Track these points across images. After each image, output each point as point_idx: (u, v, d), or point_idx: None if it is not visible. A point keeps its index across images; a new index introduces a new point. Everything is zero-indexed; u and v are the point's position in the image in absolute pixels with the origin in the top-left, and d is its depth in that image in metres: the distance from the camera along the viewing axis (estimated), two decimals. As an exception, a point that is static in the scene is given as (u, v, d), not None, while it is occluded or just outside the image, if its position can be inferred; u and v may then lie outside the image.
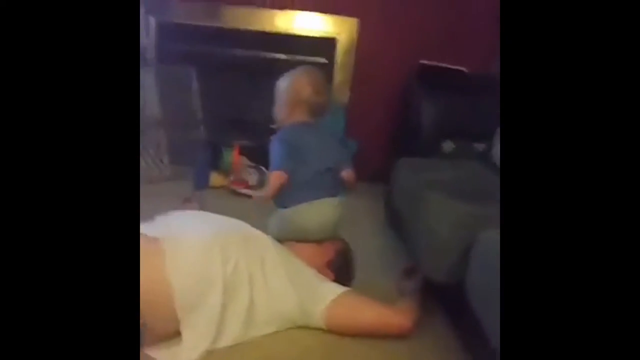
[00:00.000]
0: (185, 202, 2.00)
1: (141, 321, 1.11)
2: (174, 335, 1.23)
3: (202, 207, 1.97)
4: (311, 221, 1.54)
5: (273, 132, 1.63)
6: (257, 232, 1.47)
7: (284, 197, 1.56)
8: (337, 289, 1.39)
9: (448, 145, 2.03)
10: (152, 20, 2.63)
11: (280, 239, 1.50)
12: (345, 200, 1.63)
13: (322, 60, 2.69)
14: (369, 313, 1.38)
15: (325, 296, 1.36)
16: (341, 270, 1.54)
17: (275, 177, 1.55)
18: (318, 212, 1.54)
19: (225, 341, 1.27)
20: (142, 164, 2.42)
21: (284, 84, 1.60)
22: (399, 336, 1.37)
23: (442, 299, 1.52)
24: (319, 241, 1.55)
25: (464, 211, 1.41)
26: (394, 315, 1.38)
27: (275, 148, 1.55)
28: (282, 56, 2.70)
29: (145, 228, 1.31)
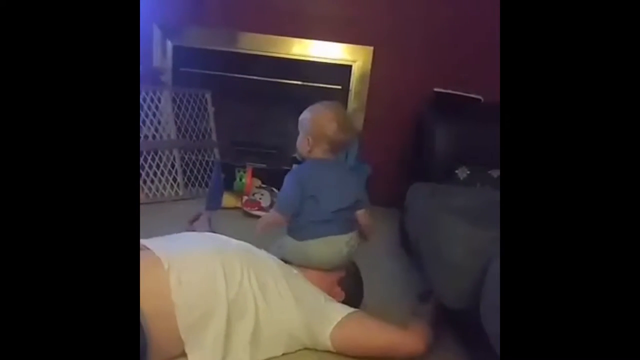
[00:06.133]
0: (193, 221, 2.01)
1: (146, 341, 1.11)
2: (181, 355, 1.21)
3: (212, 226, 1.98)
4: (324, 255, 1.54)
5: (292, 159, 1.64)
6: (263, 253, 1.46)
7: (295, 230, 1.56)
8: (346, 310, 1.37)
9: (463, 172, 2.01)
10: (169, 44, 2.69)
11: (290, 263, 1.50)
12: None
13: (337, 87, 2.72)
14: (380, 335, 1.35)
15: (333, 317, 1.34)
16: (351, 288, 1.52)
17: (271, 219, 1.58)
18: (331, 248, 1.54)
19: (233, 362, 1.25)
20: (157, 183, 2.44)
21: (308, 116, 1.57)
22: (410, 359, 1.34)
23: (456, 324, 1.49)
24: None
25: (479, 237, 1.38)
26: (406, 338, 1.36)
27: (288, 185, 1.55)
28: (297, 82, 2.74)
29: (152, 246, 1.31)
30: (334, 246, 1.54)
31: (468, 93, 2.42)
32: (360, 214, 1.62)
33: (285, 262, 1.50)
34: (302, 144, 1.59)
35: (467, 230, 1.43)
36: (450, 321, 1.49)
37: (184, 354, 1.21)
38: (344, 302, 1.46)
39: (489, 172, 2.01)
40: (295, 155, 1.71)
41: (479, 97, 2.42)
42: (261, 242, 1.58)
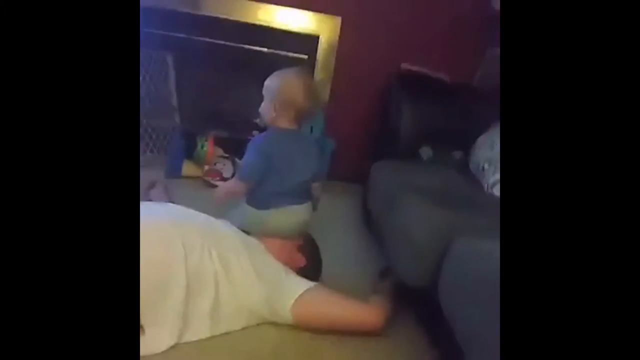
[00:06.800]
0: (149, 188, 1.96)
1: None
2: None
3: (170, 195, 1.93)
4: (282, 225, 1.55)
5: (254, 126, 1.61)
6: (225, 225, 1.45)
7: (255, 199, 1.55)
8: (306, 284, 1.38)
9: (426, 151, 2.03)
10: (130, 3, 2.56)
11: (248, 232, 1.49)
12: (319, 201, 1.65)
13: (303, 56, 2.67)
14: (339, 308, 1.37)
15: (294, 291, 1.35)
16: (311, 255, 1.54)
17: (232, 187, 1.57)
18: (291, 217, 1.56)
19: (191, 336, 1.25)
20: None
21: (274, 84, 1.54)
22: (369, 333, 1.37)
23: (415, 301, 1.53)
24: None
25: (440, 216, 1.41)
26: (365, 312, 1.38)
27: (250, 154, 1.53)
28: (263, 49, 2.67)
29: None
30: (293, 216, 1.56)
31: (435, 72, 2.43)
32: (315, 186, 1.63)
33: (244, 231, 1.48)
34: (267, 110, 1.56)
35: (430, 210, 1.45)
36: (409, 298, 1.53)
37: (141, 328, 1.19)
38: (305, 268, 1.48)
39: (452, 153, 2.04)
40: (257, 121, 1.68)
41: (446, 77, 2.43)
42: (219, 212, 1.56)
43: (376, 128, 2.44)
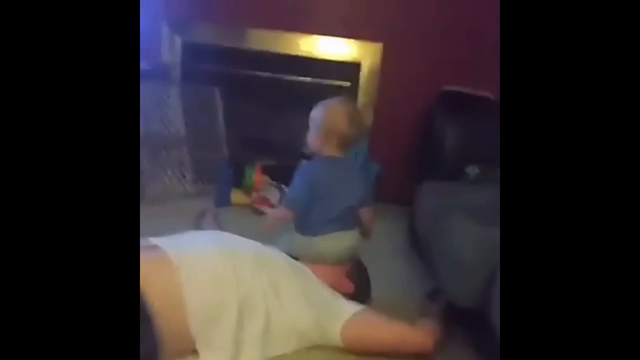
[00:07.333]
0: (200, 217, 2.02)
1: (157, 339, 1.12)
2: (192, 353, 1.22)
3: (219, 222, 1.99)
4: (329, 251, 1.57)
5: (300, 154, 1.65)
6: (273, 251, 1.48)
7: (302, 226, 1.58)
8: (355, 307, 1.39)
9: (472, 170, 2.01)
10: (178, 40, 2.69)
11: (296, 259, 1.51)
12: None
13: (346, 84, 2.71)
14: (388, 331, 1.37)
15: (343, 314, 1.36)
16: (359, 280, 1.54)
17: (280, 214, 1.60)
18: (338, 244, 1.58)
19: (244, 360, 1.26)
20: (166, 181, 2.45)
21: (319, 113, 1.59)
22: (419, 356, 1.35)
23: (466, 323, 1.49)
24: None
25: (489, 236, 1.38)
26: (415, 334, 1.37)
27: (297, 182, 1.57)
28: (306, 79, 2.73)
29: (162, 244, 1.32)
30: (341, 242, 1.57)
31: (477, 91, 2.41)
32: (364, 211, 1.64)
33: (293, 257, 1.51)
34: (313, 139, 1.60)
35: (477, 229, 1.43)
36: (460, 320, 1.49)
37: (195, 352, 1.22)
38: (354, 293, 1.49)
39: (498, 170, 2.00)
40: (304, 150, 1.72)
41: (488, 94, 2.41)
42: (268, 238, 1.59)
43: (421, 150, 2.44)
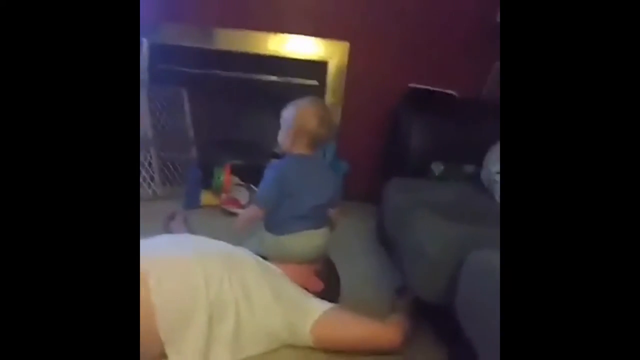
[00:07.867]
0: (169, 219, 2.00)
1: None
2: (161, 358, 1.22)
3: (188, 226, 1.98)
4: (298, 250, 1.58)
5: (270, 153, 1.65)
6: (240, 251, 1.48)
7: (272, 225, 1.59)
8: (324, 305, 1.41)
9: (437, 167, 2.05)
10: (144, 42, 2.66)
11: (266, 258, 1.52)
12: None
13: (314, 82, 2.72)
14: (357, 328, 1.39)
15: (312, 312, 1.37)
16: (328, 278, 1.56)
17: (251, 213, 1.61)
18: (308, 242, 1.59)
19: (213, 364, 1.27)
20: (133, 183, 2.41)
21: (291, 113, 1.61)
22: (388, 351, 1.37)
23: (432, 318, 1.53)
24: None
25: (454, 232, 1.42)
26: (383, 331, 1.39)
27: (267, 180, 1.57)
28: (274, 78, 2.73)
29: None
30: (311, 240, 1.58)
31: (443, 89, 2.46)
32: (332, 212, 1.66)
33: (262, 257, 1.52)
34: (284, 138, 1.62)
35: (442, 225, 1.46)
36: (427, 315, 1.53)
37: (165, 356, 1.22)
38: (323, 292, 1.50)
39: (464, 167, 2.05)
40: (276, 149, 1.73)
41: (454, 92, 2.45)
42: (238, 239, 1.59)
43: (387, 147, 2.47)
